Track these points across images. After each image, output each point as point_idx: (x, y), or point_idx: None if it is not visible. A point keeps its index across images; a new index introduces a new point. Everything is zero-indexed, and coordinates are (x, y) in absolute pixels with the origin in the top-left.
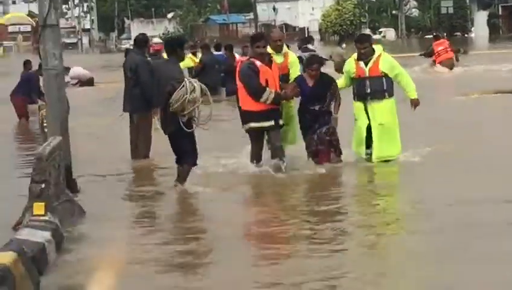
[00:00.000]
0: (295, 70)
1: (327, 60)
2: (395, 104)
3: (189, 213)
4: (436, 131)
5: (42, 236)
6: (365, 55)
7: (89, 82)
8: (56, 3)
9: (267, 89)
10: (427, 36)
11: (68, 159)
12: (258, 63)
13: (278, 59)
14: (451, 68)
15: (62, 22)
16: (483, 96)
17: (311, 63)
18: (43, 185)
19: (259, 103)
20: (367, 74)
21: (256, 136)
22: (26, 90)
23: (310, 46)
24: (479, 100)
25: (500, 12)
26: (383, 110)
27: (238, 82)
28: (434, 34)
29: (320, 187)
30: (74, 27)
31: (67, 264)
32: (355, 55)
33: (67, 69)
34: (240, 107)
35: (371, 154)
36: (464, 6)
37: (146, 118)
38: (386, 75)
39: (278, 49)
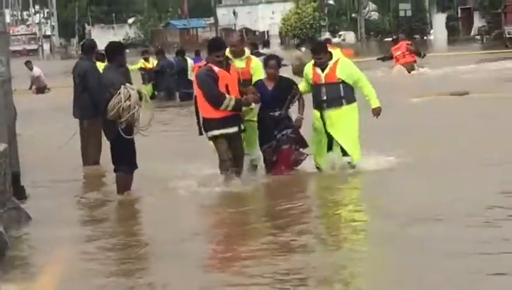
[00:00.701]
0: (258, 76)
1: (285, 64)
2: (356, 111)
3: (135, 222)
4: (391, 136)
5: None
6: (322, 65)
7: (42, 89)
8: (0, 10)
9: (227, 96)
10: (386, 39)
11: (16, 166)
12: (215, 68)
13: (239, 64)
14: (409, 71)
15: (23, 29)
16: (438, 99)
17: (268, 60)
18: None
19: (220, 110)
20: (323, 81)
21: (221, 144)
22: None
23: (262, 51)
24: (433, 103)
25: (459, 15)
26: (340, 117)
27: (196, 89)
28: (393, 37)
29: (276, 197)
30: (35, 33)
31: (10, 270)
32: (312, 62)
33: (30, 63)
34: (197, 114)
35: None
36: (423, 9)
37: (95, 124)
38: (343, 82)
39: (237, 55)
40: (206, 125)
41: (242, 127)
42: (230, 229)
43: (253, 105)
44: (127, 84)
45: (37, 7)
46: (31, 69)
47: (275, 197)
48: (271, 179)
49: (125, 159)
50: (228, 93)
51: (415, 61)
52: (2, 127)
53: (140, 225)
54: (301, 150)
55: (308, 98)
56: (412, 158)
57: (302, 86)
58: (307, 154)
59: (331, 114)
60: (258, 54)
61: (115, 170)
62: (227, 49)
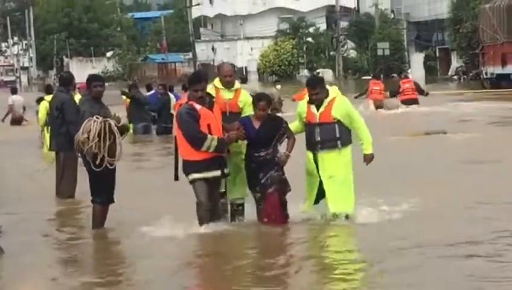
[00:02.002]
0: (248, 110)
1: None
2: (350, 154)
3: (109, 258)
4: (375, 178)
5: None
6: (319, 101)
7: (18, 120)
8: None
9: (208, 136)
10: (364, 77)
11: None
12: (197, 106)
13: (227, 95)
14: (377, 108)
15: (0, 60)
16: (413, 138)
17: (259, 99)
18: None
19: (201, 151)
20: (317, 120)
21: (200, 187)
22: None
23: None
24: (410, 142)
25: (437, 54)
26: (334, 161)
27: (176, 129)
28: (372, 75)
29: (256, 251)
30: (12, 65)
31: None
32: (307, 99)
33: (14, 89)
34: (176, 156)
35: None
36: (401, 48)
37: (71, 157)
38: (339, 122)
39: (228, 85)
40: (186, 167)
41: (226, 171)
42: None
43: (240, 143)
44: (95, 116)
45: (15, 38)
46: (13, 94)
47: (249, 246)
48: (252, 227)
49: (101, 191)
50: (210, 133)
51: (413, 99)
52: None
53: (114, 263)
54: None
55: (301, 138)
56: (401, 204)
57: (294, 125)
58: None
59: (324, 156)
60: None
61: (92, 201)
62: (217, 79)
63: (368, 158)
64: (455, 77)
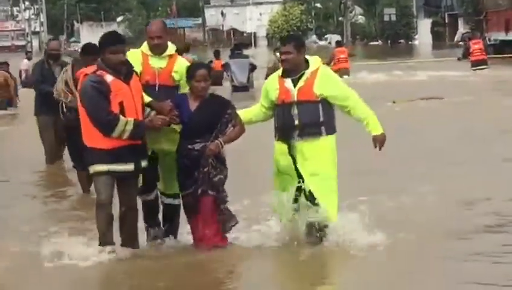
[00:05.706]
0: (186, 86)
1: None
2: (335, 144)
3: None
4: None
5: None
6: (288, 65)
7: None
8: None
9: (121, 118)
10: (371, 43)
11: None
12: (108, 77)
13: (157, 63)
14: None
15: (12, 25)
16: (410, 104)
17: (195, 69)
18: None
19: (111, 138)
20: (295, 98)
21: (103, 183)
22: None
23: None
24: (406, 107)
25: (446, 21)
26: (317, 154)
27: (79, 106)
28: (336, 41)
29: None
30: (24, 30)
31: None
32: (280, 71)
33: (30, 53)
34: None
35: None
36: (409, 14)
37: None
38: (324, 100)
39: (157, 50)
40: (89, 156)
41: (143, 163)
42: None
43: (176, 127)
44: None
45: (27, 3)
46: (29, 59)
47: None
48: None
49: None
50: (123, 114)
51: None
52: None
53: None
54: (229, 207)
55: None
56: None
57: (253, 110)
58: (237, 221)
59: (304, 147)
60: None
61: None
62: (145, 44)
63: (380, 139)
64: (461, 43)
